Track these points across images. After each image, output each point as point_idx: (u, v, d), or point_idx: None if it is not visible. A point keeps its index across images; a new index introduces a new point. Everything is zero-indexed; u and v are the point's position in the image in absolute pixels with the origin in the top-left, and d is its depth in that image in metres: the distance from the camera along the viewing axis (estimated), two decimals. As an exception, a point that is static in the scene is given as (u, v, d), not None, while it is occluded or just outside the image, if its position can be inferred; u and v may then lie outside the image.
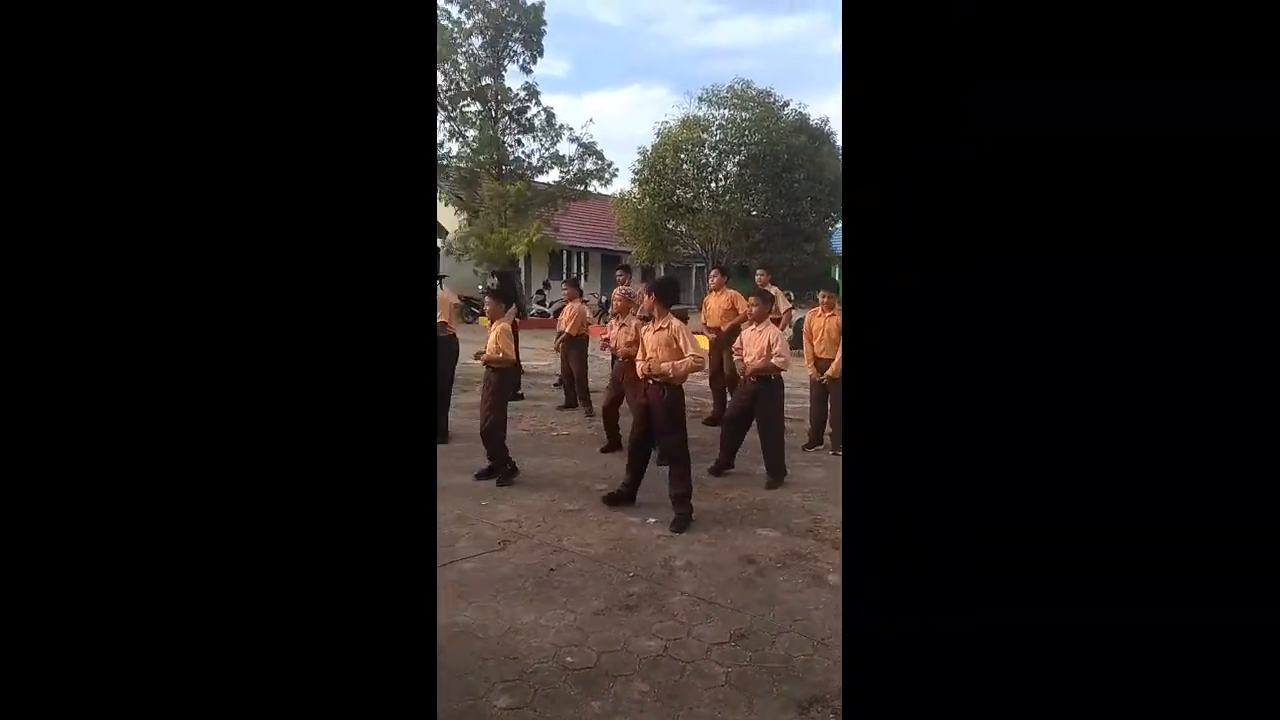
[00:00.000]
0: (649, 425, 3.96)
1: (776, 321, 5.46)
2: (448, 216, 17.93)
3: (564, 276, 16.75)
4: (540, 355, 9.86)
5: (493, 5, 15.55)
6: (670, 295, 4.15)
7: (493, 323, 4.49)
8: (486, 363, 4.37)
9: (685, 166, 12.80)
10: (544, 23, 16.13)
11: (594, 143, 16.81)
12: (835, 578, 3.19)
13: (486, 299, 4.68)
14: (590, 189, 17.61)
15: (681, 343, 3.87)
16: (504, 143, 16.25)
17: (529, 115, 16.52)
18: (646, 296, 4.16)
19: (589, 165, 16.74)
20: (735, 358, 4.92)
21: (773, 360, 4.45)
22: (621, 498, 4.06)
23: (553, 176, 16.95)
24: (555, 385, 7.66)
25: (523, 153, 16.65)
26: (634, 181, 15.80)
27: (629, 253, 16.38)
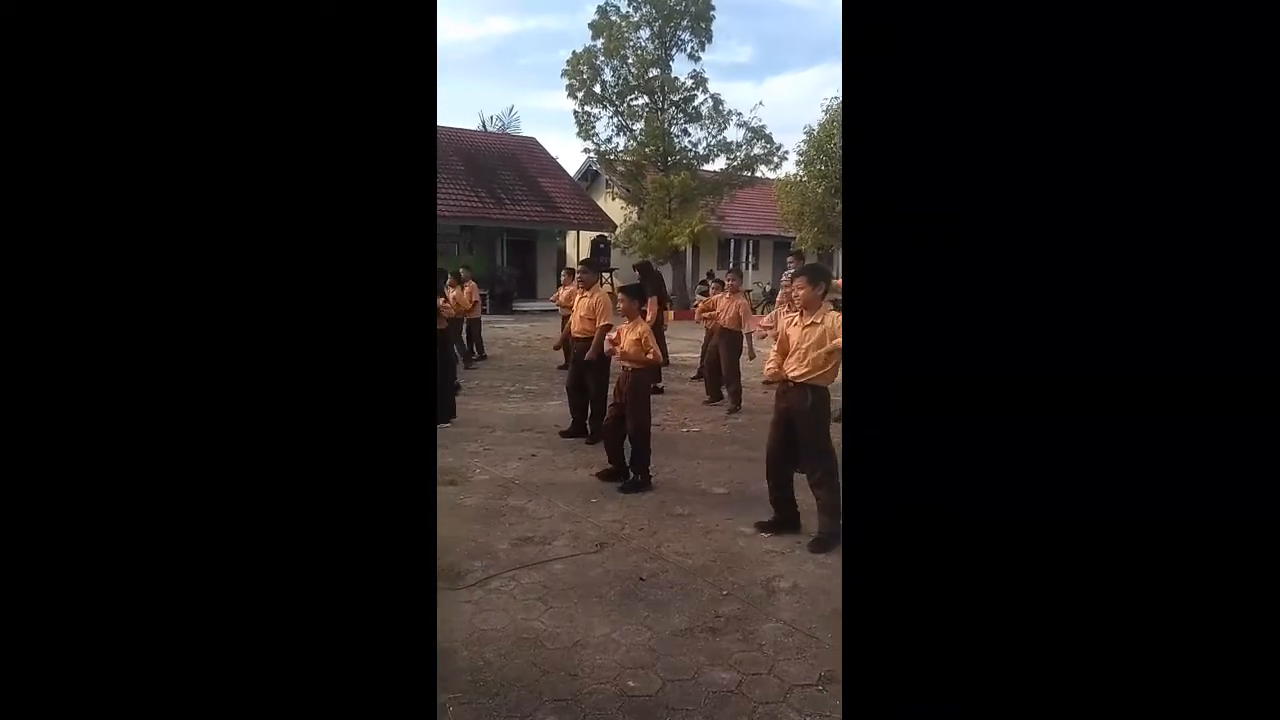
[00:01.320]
0: (787, 435, 3.45)
1: None
2: (614, 210, 18.36)
3: (730, 265, 16.41)
4: (693, 348, 9.71)
5: (660, -5, 15.53)
6: (826, 283, 3.50)
7: (628, 320, 4.36)
8: (623, 360, 4.25)
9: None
10: (712, 7, 15.86)
11: (763, 126, 16.27)
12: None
13: (620, 296, 4.54)
14: (759, 174, 17.11)
15: (830, 344, 3.28)
16: (670, 133, 16.24)
17: (696, 103, 16.36)
18: (801, 285, 3.44)
19: (756, 150, 16.26)
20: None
21: None
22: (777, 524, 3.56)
23: (720, 164, 16.68)
24: (694, 379, 7.48)
25: (689, 142, 16.54)
26: (799, 164, 15.05)
27: (793, 239, 15.68)
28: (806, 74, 51.18)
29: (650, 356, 4.20)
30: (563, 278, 8.93)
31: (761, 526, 3.56)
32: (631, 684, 2.26)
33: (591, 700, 2.17)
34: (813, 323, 3.37)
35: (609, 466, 4.33)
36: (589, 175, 21.38)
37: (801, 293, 3.45)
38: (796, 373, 3.38)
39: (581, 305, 5.34)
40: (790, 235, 17.38)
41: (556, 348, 7.14)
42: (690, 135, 16.54)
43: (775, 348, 3.61)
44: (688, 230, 15.05)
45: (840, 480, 3.29)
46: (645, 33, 15.87)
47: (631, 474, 4.20)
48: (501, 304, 16.00)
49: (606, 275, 5.94)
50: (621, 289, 4.57)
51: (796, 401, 3.39)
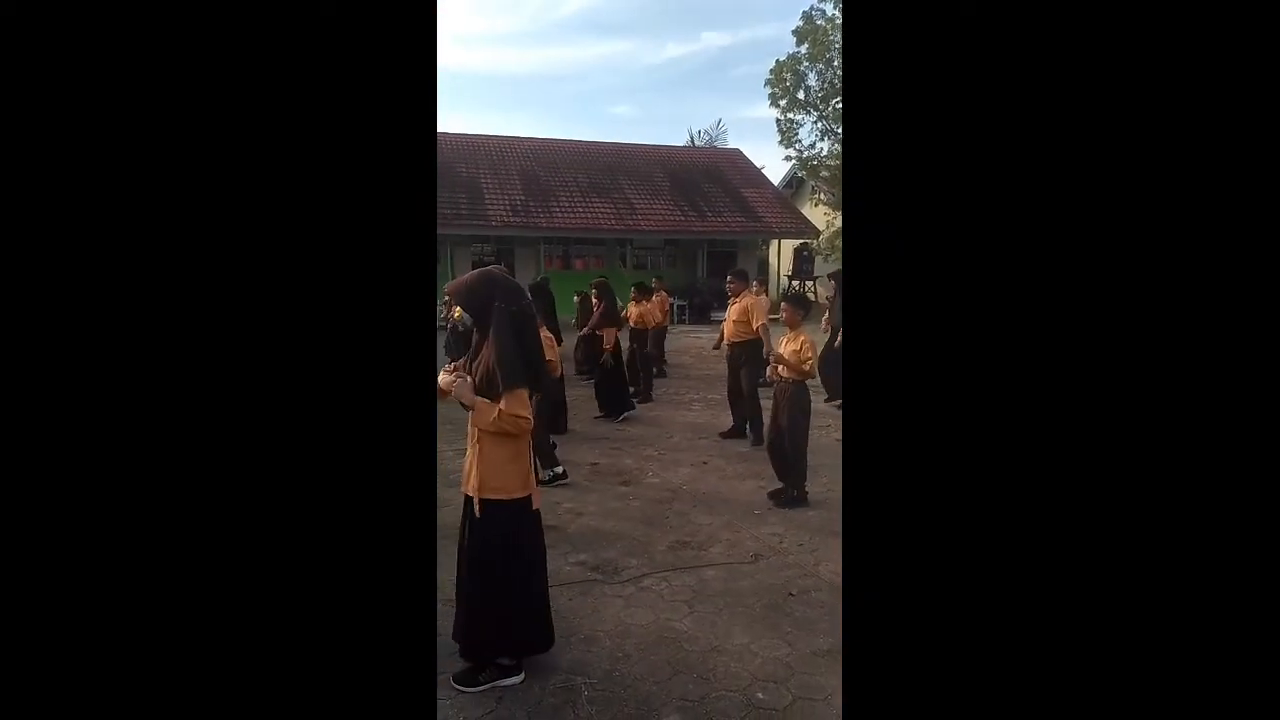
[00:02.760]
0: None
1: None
2: (818, 217, 17.90)
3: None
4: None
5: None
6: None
7: (792, 330, 4.33)
8: (779, 371, 4.23)
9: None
10: None
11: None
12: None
13: (783, 305, 4.51)
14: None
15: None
16: (877, 135, 15.54)
17: (907, 102, 15.49)
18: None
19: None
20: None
21: None
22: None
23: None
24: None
25: (898, 143, 15.70)
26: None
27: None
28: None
29: (806, 368, 4.11)
30: (632, 294, 8.06)
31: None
32: (761, 695, 2.27)
33: (718, 706, 2.22)
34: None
35: (780, 485, 4.29)
36: (794, 183, 21.09)
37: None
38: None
39: (733, 310, 5.44)
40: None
41: (716, 348, 7.19)
42: (900, 136, 15.70)
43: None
44: (894, 235, 14.26)
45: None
46: (853, 33, 15.38)
47: (788, 489, 4.13)
48: (699, 314, 16.35)
49: (756, 283, 5.85)
50: (786, 298, 4.52)
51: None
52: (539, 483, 2.75)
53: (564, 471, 4.58)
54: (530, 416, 2.23)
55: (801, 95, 15.89)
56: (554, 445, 4.72)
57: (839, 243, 15.55)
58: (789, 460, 4.13)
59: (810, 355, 4.13)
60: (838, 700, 2.23)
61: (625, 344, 7.22)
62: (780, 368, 4.13)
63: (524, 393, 2.20)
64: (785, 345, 4.14)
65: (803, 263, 18.47)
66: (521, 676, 2.34)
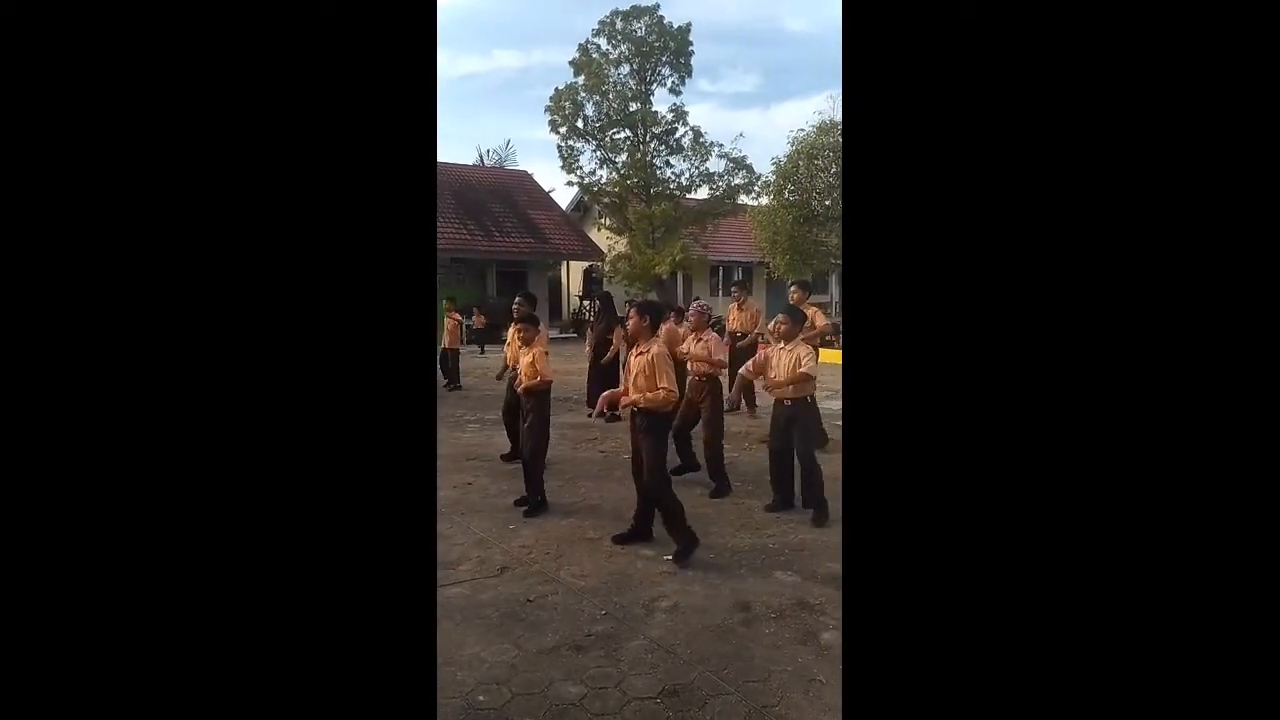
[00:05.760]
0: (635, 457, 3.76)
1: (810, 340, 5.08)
2: (604, 240, 18.68)
3: (721, 291, 16.65)
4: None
5: (639, 33, 16.02)
6: (657, 319, 3.90)
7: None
8: (524, 391, 4.42)
9: (821, 175, 12.13)
10: (690, 44, 16.33)
11: (744, 157, 16.68)
12: (830, 635, 2.83)
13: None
14: (740, 202, 17.46)
15: (656, 370, 3.57)
16: (652, 165, 16.61)
17: (677, 136, 16.76)
18: (635, 316, 3.78)
19: (737, 180, 16.59)
20: (758, 379, 4.56)
21: (803, 370, 4.10)
22: (634, 535, 3.82)
23: (704, 193, 17.04)
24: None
25: (672, 173, 16.93)
26: (763, 194, 15.35)
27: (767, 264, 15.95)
28: (812, 100, 52.28)
29: (539, 380, 4.36)
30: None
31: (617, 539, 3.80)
32: (481, 698, 2.40)
33: (440, 713, 2.31)
34: (643, 352, 3.67)
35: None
36: (581, 206, 21.79)
37: (634, 321, 3.77)
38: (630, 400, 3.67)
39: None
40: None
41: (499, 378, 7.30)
42: (673, 166, 16.95)
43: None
44: (669, 259, 15.31)
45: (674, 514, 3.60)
46: (625, 69, 16.34)
47: (530, 496, 4.37)
48: (490, 334, 16.26)
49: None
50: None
51: (635, 428, 3.69)
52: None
53: None
54: None
55: (581, 124, 16.53)
56: None
57: (621, 265, 16.37)
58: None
59: (545, 369, 4.36)
60: (554, 691, 2.43)
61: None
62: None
63: None
64: (527, 360, 4.37)
65: (592, 284, 19.12)
66: None
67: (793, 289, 6.05)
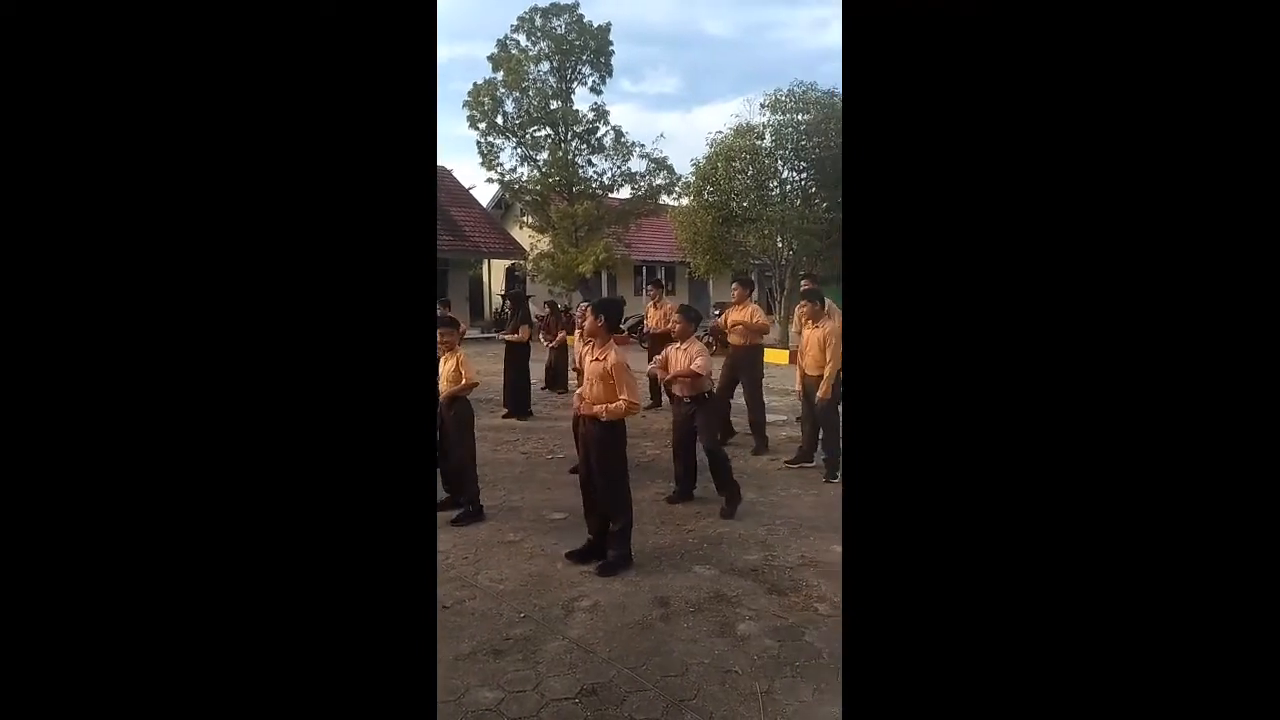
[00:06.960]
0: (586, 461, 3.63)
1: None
2: (526, 239, 18.49)
3: (645, 292, 16.76)
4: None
5: (559, 31, 15.92)
6: (616, 318, 3.75)
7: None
8: (446, 396, 4.31)
9: (739, 176, 12.40)
10: (610, 44, 16.35)
11: (665, 158, 16.82)
12: (746, 626, 2.90)
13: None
14: (663, 203, 17.62)
15: (616, 380, 3.45)
16: (574, 164, 16.55)
17: (599, 135, 16.75)
18: (590, 317, 3.69)
19: (659, 180, 16.73)
20: (661, 375, 4.63)
21: (693, 368, 4.21)
22: (591, 554, 3.58)
23: (626, 193, 17.10)
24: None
25: (594, 172, 16.90)
26: (682, 194, 15.59)
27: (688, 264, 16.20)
28: (731, 104, 53.28)
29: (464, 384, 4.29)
30: None
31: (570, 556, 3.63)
32: (394, 710, 2.34)
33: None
34: (599, 358, 3.54)
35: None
36: (503, 204, 21.48)
37: (590, 322, 3.67)
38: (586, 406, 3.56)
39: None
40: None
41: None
42: (595, 165, 16.92)
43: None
44: (592, 258, 15.30)
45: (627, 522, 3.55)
46: (545, 66, 16.20)
47: (463, 505, 4.28)
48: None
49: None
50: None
51: (589, 433, 3.55)
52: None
53: None
54: None
55: (500, 120, 16.29)
56: None
57: (544, 264, 16.23)
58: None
59: (470, 374, 4.29)
60: (470, 697, 2.40)
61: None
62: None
63: None
64: (448, 367, 4.28)
65: (514, 282, 18.89)
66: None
67: (734, 286, 6.13)
